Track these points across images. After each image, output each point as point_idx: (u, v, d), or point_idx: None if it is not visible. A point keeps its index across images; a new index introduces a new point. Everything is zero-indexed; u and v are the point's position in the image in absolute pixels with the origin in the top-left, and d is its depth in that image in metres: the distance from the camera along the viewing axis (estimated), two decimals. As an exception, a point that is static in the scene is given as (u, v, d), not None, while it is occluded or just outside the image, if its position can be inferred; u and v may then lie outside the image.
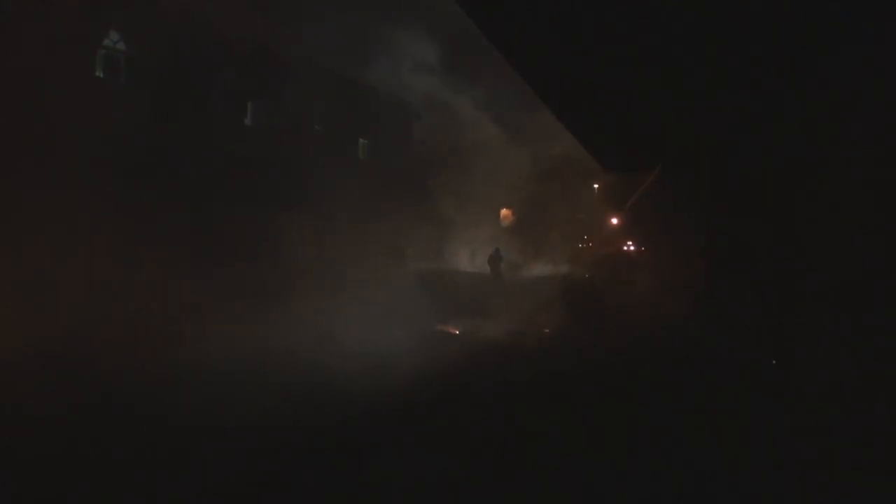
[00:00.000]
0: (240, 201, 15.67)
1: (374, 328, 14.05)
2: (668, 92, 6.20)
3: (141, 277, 12.43)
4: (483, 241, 23.89)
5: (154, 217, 13.13)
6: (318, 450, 7.00)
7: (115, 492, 5.75)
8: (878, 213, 3.89)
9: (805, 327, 5.55)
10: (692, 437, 7.31)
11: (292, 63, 18.05)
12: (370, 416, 8.32)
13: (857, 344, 4.19)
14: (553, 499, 5.87)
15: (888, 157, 3.76)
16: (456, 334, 16.04)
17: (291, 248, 16.05)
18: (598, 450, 7.04)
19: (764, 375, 6.88)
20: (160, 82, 14.09)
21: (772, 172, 7.11)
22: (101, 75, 13.40)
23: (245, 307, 13.69)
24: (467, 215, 23.58)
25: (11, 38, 11.07)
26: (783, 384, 6.19)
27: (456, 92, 23.70)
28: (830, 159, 5.00)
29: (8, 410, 7.63)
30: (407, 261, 21.28)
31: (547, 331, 14.87)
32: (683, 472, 6.27)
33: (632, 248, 21.96)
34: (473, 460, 6.71)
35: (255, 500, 5.82)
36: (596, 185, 26.41)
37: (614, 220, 24.84)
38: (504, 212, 27.50)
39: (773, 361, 6.57)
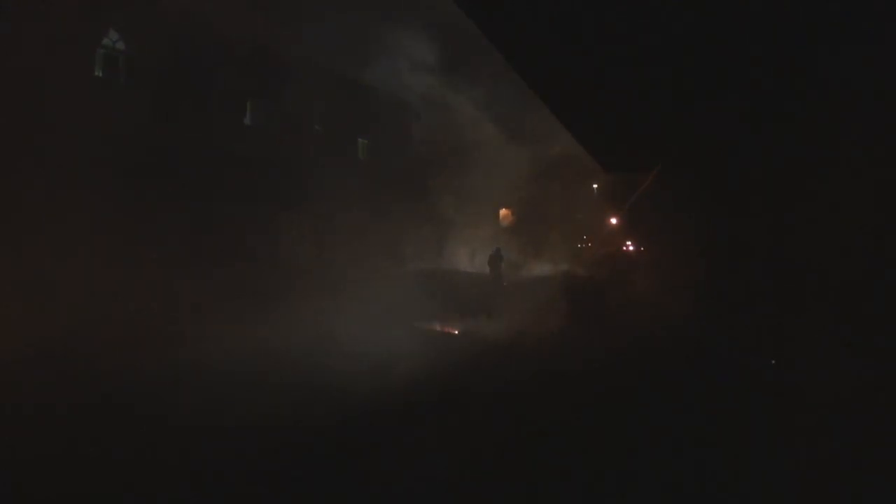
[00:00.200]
0: (240, 201, 15.66)
1: (374, 328, 14.04)
2: (668, 92, 6.20)
3: (141, 277, 12.42)
4: (483, 240, 23.88)
5: (154, 217, 13.13)
6: (317, 450, 7.00)
7: (115, 492, 5.75)
8: (878, 213, 3.89)
9: (805, 327, 5.55)
10: (692, 436, 7.31)
11: (292, 63, 18.05)
12: (370, 416, 8.32)
13: (857, 344, 4.19)
14: (553, 499, 5.87)
15: (888, 157, 3.76)
16: (456, 334, 16.03)
17: (291, 248, 16.05)
18: (598, 449, 7.05)
19: (764, 375, 6.88)
20: (160, 82, 14.08)
21: (772, 172, 7.11)
22: (101, 75, 13.39)
23: (245, 307, 13.69)
24: (467, 215, 23.57)
25: (11, 37, 11.07)
26: (783, 384, 6.19)
27: (456, 92, 23.72)
28: (830, 159, 5.00)
29: (8, 410, 7.63)
30: (406, 260, 21.28)
31: (546, 330, 14.86)
32: (683, 472, 6.27)
33: (631, 247, 21.98)
34: (473, 460, 6.71)
35: (255, 500, 5.82)
36: (596, 185, 26.42)
37: (614, 220, 24.86)
38: (503, 212, 27.50)
39: (773, 361, 6.57)
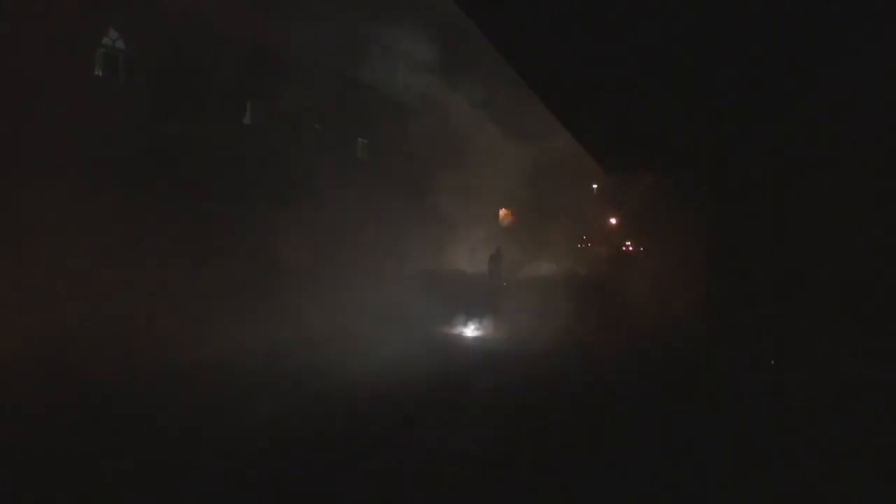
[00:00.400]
0: (239, 200, 15.67)
1: (374, 328, 14.04)
2: (668, 92, 6.19)
3: (140, 276, 12.42)
4: (482, 240, 23.86)
5: (153, 216, 13.13)
6: (317, 449, 7.00)
7: (115, 492, 5.75)
8: (878, 213, 3.89)
9: (805, 327, 5.56)
10: (692, 436, 7.32)
11: (292, 63, 18.03)
12: (370, 416, 8.32)
13: (857, 344, 4.19)
14: (554, 498, 5.87)
15: (888, 157, 3.76)
16: (455, 334, 16.04)
17: (290, 248, 16.03)
18: (598, 449, 7.05)
19: (764, 375, 6.89)
20: (160, 82, 14.08)
21: (772, 172, 7.11)
22: (101, 74, 13.38)
23: (245, 307, 13.69)
24: (467, 215, 23.54)
25: (11, 37, 11.06)
26: (783, 384, 6.20)
27: (455, 91, 23.68)
28: (830, 159, 5.00)
29: (7, 410, 7.62)
30: (406, 260, 21.26)
31: (545, 329, 14.87)
32: (683, 472, 6.27)
33: (631, 247, 21.99)
34: (473, 460, 6.71)
35: (255, 499, 5.81)
36: (596, 185, 26.41)
37: (614, 220, 24.85)
38: (503, 211, 27.47)
39: (773, 361, 6.57)
